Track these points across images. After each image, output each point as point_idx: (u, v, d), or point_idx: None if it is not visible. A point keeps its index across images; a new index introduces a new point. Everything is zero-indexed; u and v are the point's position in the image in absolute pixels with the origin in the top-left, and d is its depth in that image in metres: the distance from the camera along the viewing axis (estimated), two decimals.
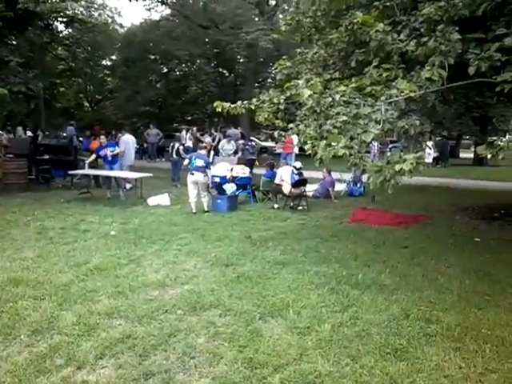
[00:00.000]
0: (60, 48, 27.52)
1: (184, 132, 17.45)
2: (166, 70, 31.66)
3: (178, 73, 32.73)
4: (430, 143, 19.81)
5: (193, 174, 9.14)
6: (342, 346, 3.61)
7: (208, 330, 3.88)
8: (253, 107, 6.45)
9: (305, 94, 4.46)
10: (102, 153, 11.14)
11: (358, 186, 12.53)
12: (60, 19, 10.52)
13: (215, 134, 18.02)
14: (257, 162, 15.39)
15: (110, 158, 11.06)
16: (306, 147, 4.15)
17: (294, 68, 7.34)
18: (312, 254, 6.28)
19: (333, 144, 3.90)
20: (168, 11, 26.77)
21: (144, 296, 4.68)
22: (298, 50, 7.96)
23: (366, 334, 3.82)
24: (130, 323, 4.01)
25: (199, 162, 9.11)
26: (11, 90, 9.50)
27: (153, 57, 30.55)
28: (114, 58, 33.51)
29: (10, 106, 19.47)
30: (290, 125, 5.27)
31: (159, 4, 23.54)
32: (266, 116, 5.81)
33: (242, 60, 26.67)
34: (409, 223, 8.60)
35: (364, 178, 12.95)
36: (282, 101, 5.92)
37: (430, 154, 20.89)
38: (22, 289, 4.76)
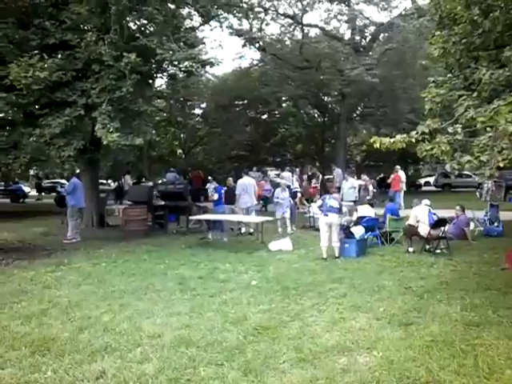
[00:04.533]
0: (158, 100, 29.33)
1: (287, 173, 17.03)
2: (255, 115, 32.19)
3: (266, 116, 33.22)
4: None
5: (327, 215, 8.51)
6: None
7: None
8: (413, 140, 5.76)
9: None
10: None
11: (496, 224, 11.09)
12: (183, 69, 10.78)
13: (317, 173, 17.46)
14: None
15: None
16: None
17: (447, 95, 6.59)
18: (504, 311, 5.21)
19: None
20: (258, 56, 27.43)
21: (333, 364, 3.97)
22: (449, 75, 7.24)
23: None
24: None
25: (334, 203, 8.48)
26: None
27: (242, 102, 31.38)
28: (203, 106, 35.00)
29: (121, 156, 20.54)
30: None
31: (252, 49, 24.07)
32: (444, 149, 5.03)
33: (333, 99, 26.33)
34: None
35: (504, 216, 11.57)
36: (459, 130, 5.15)
37: None
38: (195, 351, 4.28)
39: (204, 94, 32.03)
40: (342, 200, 12.96)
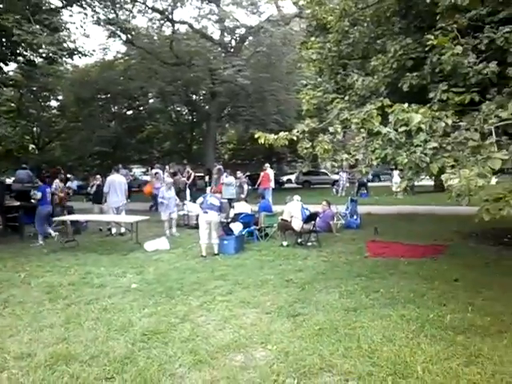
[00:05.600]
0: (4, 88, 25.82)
1: (158, 171, 16.47)
2: (120, 110, 30.56)
3: (132, 112, 31.79)
4: (396, 172, 20.20)
5: (207, 212, 8.42)
6: None
7: None
8: (295, 138, 6.04)
9: (414, 120, 4.06)
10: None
11: (355, 217, 12.30)
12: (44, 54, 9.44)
13: (190, 171, 17.26)
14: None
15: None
16: (443, 177, 3.67)
17: (322, 98, 7.06)
18: (374, 295, 5.76)
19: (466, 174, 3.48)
20: (124, 49, 26.08)
21: (230, 362, 3.91)
22: (319, 79, 7.73)
23: None
24: None
25: (214, 201, 8.42)
26: None
27: (106, 96, 29.49)
28: (61, 98, 31.96)
29: None
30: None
31: (117, 41, 22.74)
32: (326, 147, 5.34)
33: (202, 97, 26.40)
34: (433, 254, 8.38)
35: (359, 209, 12.88)
36: (339, 130, 5.53)
37: (396, 182, 21.33)
38: (78, 367, 3.80)
39: (62, 84, 29.22)
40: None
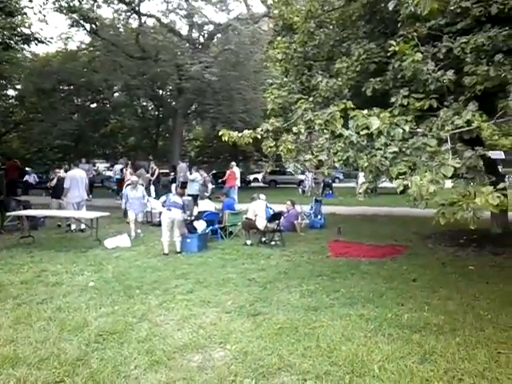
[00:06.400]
0: None
1: (118, 166, 16.13)
2: (83, 102, 29.66)
3: (96, 105, 30.94)
4: (362, 174, 20.66)
5: (170, 209, 8.28)
6: None
7: None
8: (259, 136, 6.03)
9: (373, 125, 4.11)
10: None
11: (319, 217, 12.44)
12: None
13: (154, 167, 17.00)
14: None
15: None
16: (395, 183, 3.73)
17: (287, 97, 7.08)
18: (334, 294, 5.83)
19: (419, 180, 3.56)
20: (88, 39, 25.35)
21: (188, 363, 3.84)
22: (285, 79, 7.75)
23: None
24: None
25: (177, 199, 8.31)
26: None
27: (68, 87, 28.57)
28: (19, 87, 30.69)
29: None
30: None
31: (81, 30, 22.05)
32: (290, 147, 5.35)
33: (169, 93, 26.02)
34: (393, 254, 8.58)
35: (324, 210, 13.03)
36: (302, 131, 5.55)
37: (360, 184, 21.80)
38: (26, 370, 3.63)
39: (20, 73, 28.05)
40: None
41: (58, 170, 12.02)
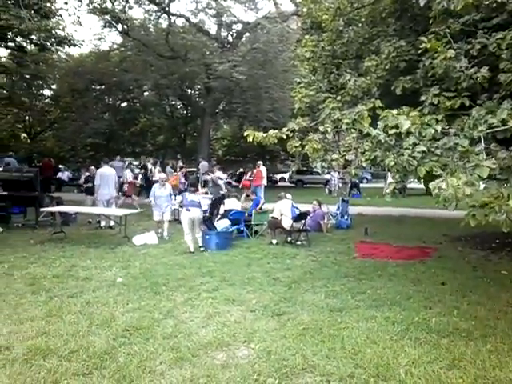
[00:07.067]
0: None
1: (150, 165, 16.39)
2: (114, 101, 30.29)
3: (126, 104, 31.55)
4: (390, 174, 20.29)
5: (189, 210, 8.39)
6: None
7: None
8: (284, 136, 6.00)
9: (404, 125, 4.02)
10: None
11: (346, 218, 12.31)
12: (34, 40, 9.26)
13: (182, 166, 17.19)
14: None
15: None
16: (430, 185, 3.63)
17: (314, 96, 7.02)
18: (360, 296, 5.75)
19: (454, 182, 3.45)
20: (120, 40, 25.87)
21: (211, 360, 3.87)
22: (313, 78, 7.68)
23: None
24: None
25: (194, 197, 8.42)
26: None
27: (100, 87, 29.23)
28: (54, 87, 31.61)
29: None
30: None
31: (113, 31, 22.54)
32: (316, 146, 5.31)
33: (197, 92, 26.26)
34: (421, 256, 8.40)
35: (351, 210, 12.88)
36: (329, 130, 5.49)
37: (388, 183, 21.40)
38: (56, 362, 3.74)
39: (55, 73, 28.91)
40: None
41: (92, 168, 12.34)
